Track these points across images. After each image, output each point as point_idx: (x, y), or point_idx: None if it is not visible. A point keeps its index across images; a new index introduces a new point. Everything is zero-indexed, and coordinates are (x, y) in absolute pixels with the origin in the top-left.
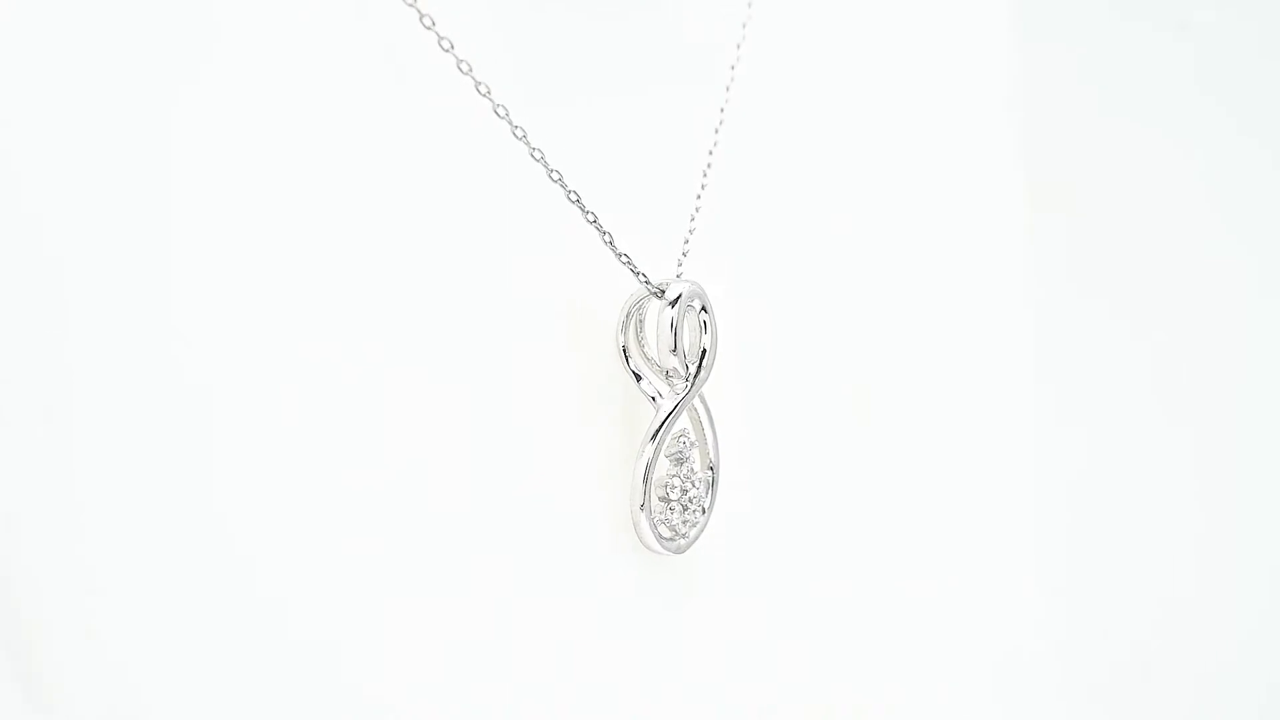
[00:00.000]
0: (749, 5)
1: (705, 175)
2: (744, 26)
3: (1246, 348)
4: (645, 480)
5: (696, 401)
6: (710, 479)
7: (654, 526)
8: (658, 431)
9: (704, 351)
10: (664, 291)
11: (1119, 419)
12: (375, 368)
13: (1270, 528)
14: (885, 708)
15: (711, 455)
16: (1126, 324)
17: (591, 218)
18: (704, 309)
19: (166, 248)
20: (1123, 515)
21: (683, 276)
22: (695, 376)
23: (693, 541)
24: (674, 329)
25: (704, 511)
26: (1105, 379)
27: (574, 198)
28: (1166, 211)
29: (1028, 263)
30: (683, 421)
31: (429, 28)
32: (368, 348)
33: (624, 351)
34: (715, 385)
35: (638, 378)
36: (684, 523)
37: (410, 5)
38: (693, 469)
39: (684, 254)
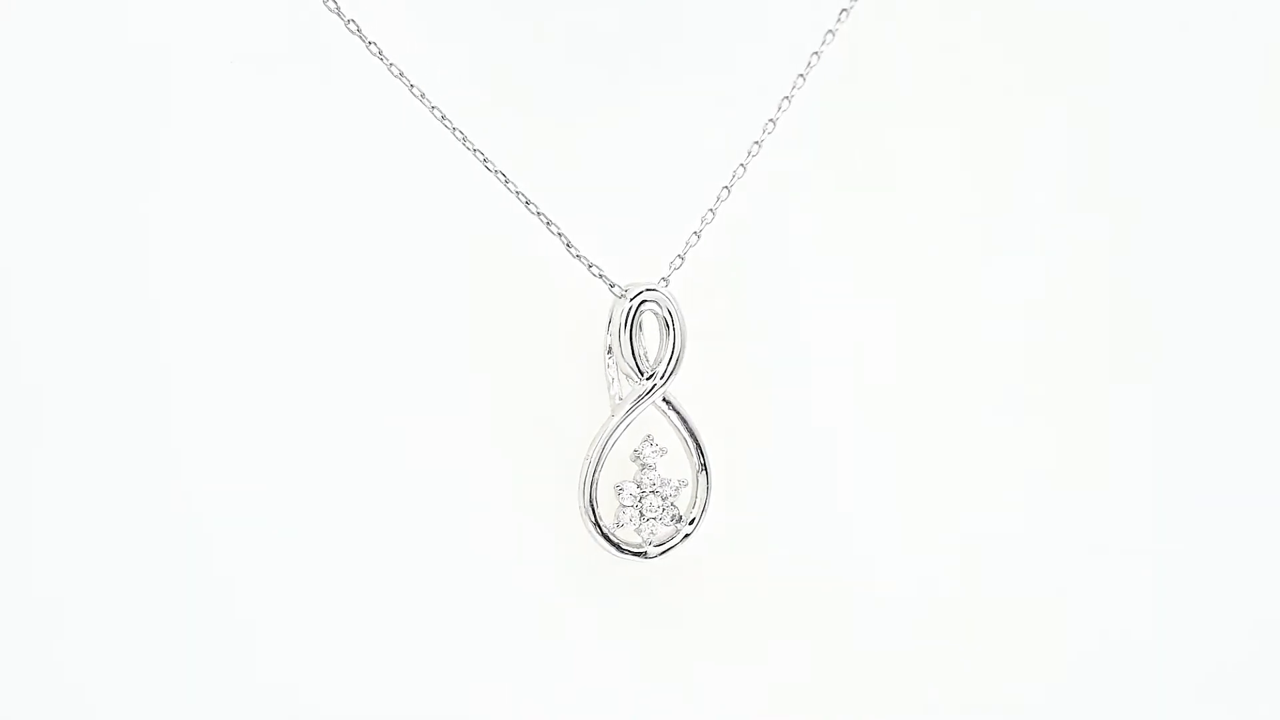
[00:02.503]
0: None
1: (734, 177)
2: (831, 31)
3: None
4: (586, 483)
5: (668, 408)
6: (698, 486)
7: (603, 530)
8: (607, 436)
9: (670, 356)
10: (626, 292)
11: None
12: (362, 369)
13: None
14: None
15: (698, 463)
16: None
17: (545, 220)
18: (668, 312)
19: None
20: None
21: (669, 280)
22: (652, 381)
23: (666, 548)
24: (629, 328)
25: (677, 519)
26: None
27: (523, 199)
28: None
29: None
30: (649, 427)
31: (354, 32)
32: (351, 349)
33: (608, 353)
34: (722, 395)
35: (611, 381)
36: (646, 528)
37: (333, 11)
38: (658, 475)
39: (681, 257)
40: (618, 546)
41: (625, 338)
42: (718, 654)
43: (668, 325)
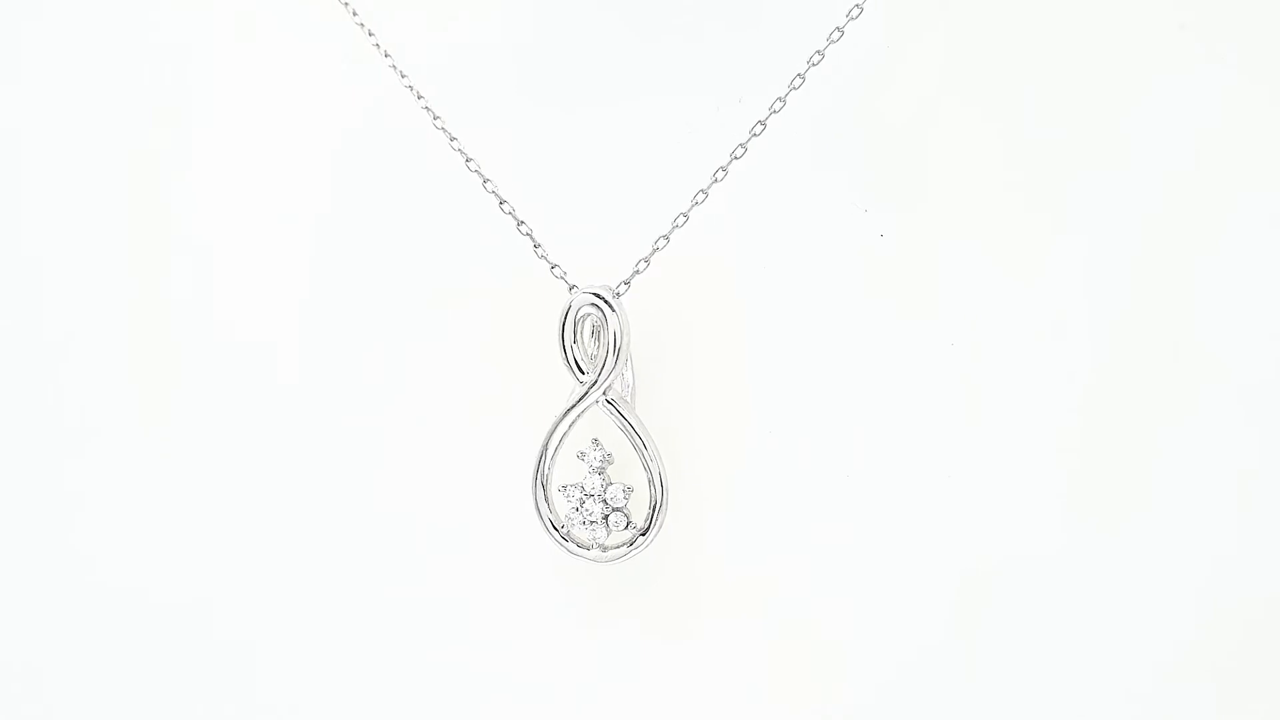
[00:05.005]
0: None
1: (714, 180)
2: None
3: None
4: (535, 480)
5: (612, 412)
6: (654, 494)
7: (555, 530)
8: (549, 434)
9: (605, 359)
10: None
11: None
12: (339, 365)
13: None
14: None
15: (651, 471)
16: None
17: (516, 220)
18: (604, 315)
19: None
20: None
21: (630, 283)
22: (588, 382)
23: (618, 554)
24: (574, 330)
25: (627, 526)
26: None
27: (498, 198)
28: None
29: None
30: (593, 430)
31: (360, 25)
32: (332, 345)
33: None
34: (704, 397)
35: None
36: (588, 531)
37: (345, 5)
38: (601, 480)
39: (646, 260)
40: (568, 544)
41: (566, 339)
42: (703, 654)
43: (606, 328)
